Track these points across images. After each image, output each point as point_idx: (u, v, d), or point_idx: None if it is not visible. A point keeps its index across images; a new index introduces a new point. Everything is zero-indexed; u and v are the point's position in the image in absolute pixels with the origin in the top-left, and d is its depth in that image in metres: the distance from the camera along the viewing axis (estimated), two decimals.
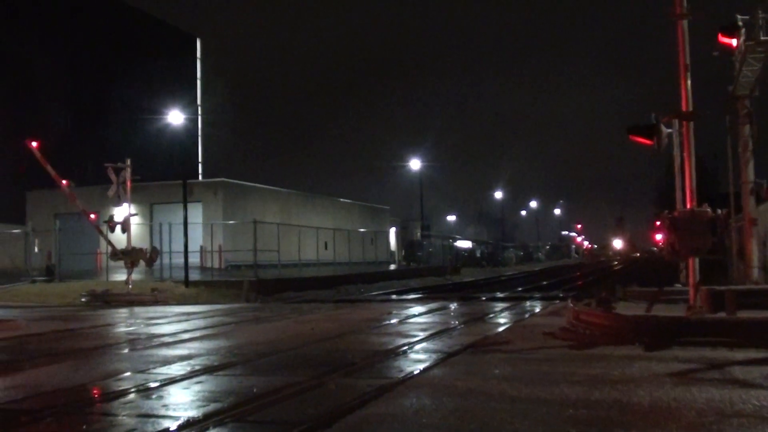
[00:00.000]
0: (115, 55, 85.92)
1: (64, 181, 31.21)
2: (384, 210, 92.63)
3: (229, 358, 13.01)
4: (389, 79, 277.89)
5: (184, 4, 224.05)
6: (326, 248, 61.81)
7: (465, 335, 15.97)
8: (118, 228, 32.17)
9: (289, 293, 38.77)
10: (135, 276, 33.83)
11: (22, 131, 33.05)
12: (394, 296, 38.04)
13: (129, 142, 66.29)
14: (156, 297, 31.55)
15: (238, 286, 36.92)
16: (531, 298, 31.73)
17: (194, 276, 40.35)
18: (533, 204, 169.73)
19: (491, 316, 21.60)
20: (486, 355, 12.62)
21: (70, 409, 8.95)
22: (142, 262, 32.84)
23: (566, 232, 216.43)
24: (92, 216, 32.45)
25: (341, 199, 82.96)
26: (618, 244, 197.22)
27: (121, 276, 36.90)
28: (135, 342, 16.32)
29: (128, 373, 11.42)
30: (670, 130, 16.22)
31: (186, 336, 17.15)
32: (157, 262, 35.63)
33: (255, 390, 9.70)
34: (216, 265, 50.55)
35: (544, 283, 55.43)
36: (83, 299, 31.37)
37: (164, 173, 57.84)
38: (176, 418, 8.15)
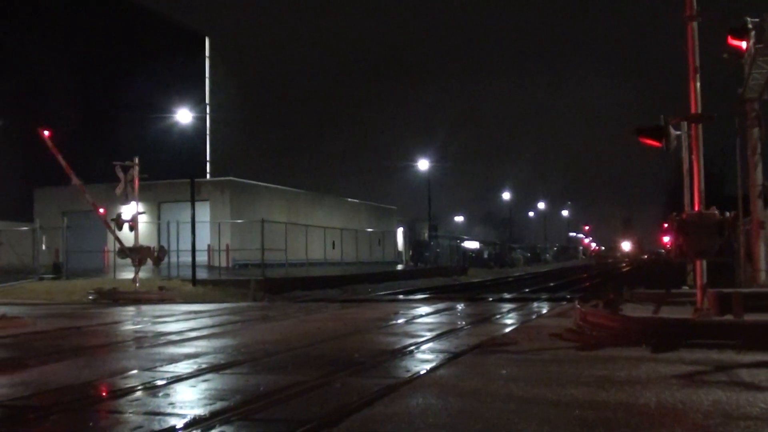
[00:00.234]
0: (123, 53, 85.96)
1: (74, 173, 31.16)
2: (391, 210, 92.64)
3: (235, 356, 13.02)
4: (398, 79, 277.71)
5: (194, 3, 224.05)
6: (334, 248, 61.85)
7: (472, 336, 15.98)
8: (126, 226, 32.20)
9: (297, 292, 38.78)
10: (142, 274, 33.86)
11: (31, 129, 33.05)
12: (401, 296, 38.03)
13: (137, 141, 66.14)
14: (163, 295, 31.58)
15: (245, 284, 36.93)
16: (538, 299, 31.72)
17: (202, 275, 40.40)
18: (541, 205, 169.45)
19: (498, 316, 21.60)
20: (493, 356, 12.62)
21: (76, 407, 8.98)
22: (149, 261, 32.86)
23: (574, 234, 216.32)
24: (101, 210, 32.46)
25: (349, 199, 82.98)
26: (626, 246, 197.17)
27: (128, 274, 36.97)
28: (142, 340, 16.33)
29: (135, 371, 11.43)
30: (678, 132, 16.20)
31: (193, 334, 17.17)
32: (165, 260, 35.69)
33: (261, 388, 9.71)
34: (223, 263, 50.59)
35: (552, 284, 55.35)
36: (90, 297, 31.39)
37: (172, 172, 57.80)
38: (183, 416, 8.16)
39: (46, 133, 30.24)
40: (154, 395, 9.55)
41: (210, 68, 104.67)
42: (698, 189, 15.53)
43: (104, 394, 9.89)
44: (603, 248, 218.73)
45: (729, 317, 14.20)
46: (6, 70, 69.74)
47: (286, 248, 46.66)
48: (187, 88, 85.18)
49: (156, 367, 11.83)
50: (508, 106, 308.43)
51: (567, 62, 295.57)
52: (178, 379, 10.66)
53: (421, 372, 10.97)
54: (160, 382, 10.36)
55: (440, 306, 26.03)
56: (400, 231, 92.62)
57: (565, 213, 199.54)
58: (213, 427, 7.70)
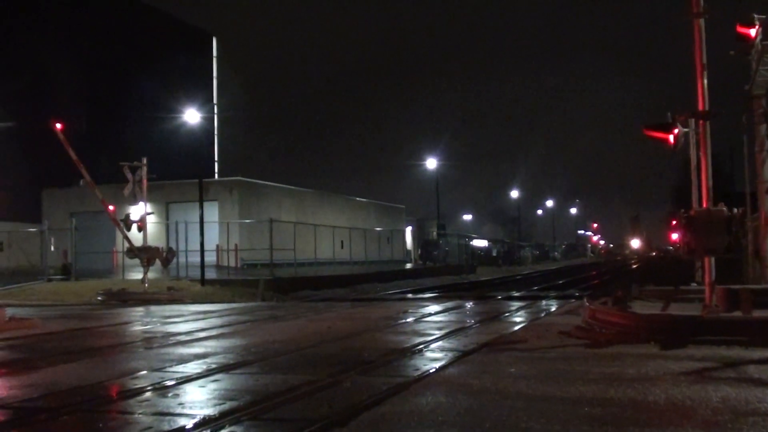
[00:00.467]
0: (131, 53, 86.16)
1: (83, 168, 31.13)
2: (400, 209, 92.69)
3: (245, 356, 13.04)
4: (406, 78, 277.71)
5: (201, 2, 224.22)
6: (342, 247, 61.87)
7: (481, 334, 15.98)
8: (135, 227, 32.23)
9: (305, 292, 38.83)
10: (151, 275, 33.90)
11: (38, 130, 33.07)
12: (409, 295, 38.04)
13: (145, 141, 66.33)
14: (172, 296, 31.61)
15: (254, 284, 36.98)
16: (547, 297, 31.72)
17: (210, 275, 40.46)
18: (549, 203, 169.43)
19: (507, 314, 21.59)
20: (502, 354, 12.63)
21: (86, 408, 9.00)
22: (157, 261, 32.90)
23: (582, 232, 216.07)
24: (111, 207, 32.47)
25: (357, 198, 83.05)
26: (635, 243, 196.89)
27: (137, 275, 37.04)
28: (151, 340, 16.35)
29: (144, 372, 11.45)
30: (686, 129, 16.21)
31: (202, 334, 17.19)
32: (174, 260, 35.73)
33: (271, 388, 9.72)
34: (232, 263, 50.68)
35: (560, 282, 55.35)
36: (99, 298, 31.43)
37: (180, 172, 57.96)
38: (192, 416, 8.18)
39: (59, 125, 30.14)
40: (164, 396, 9.57)
41: (217, 68, 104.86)
42: (706, 186, 15.53)
43: (114, 394, 9.91)
44: (612, 246, 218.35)
45: (737, 314, 14.21)
46: (13, 70, 69.89)
47: (294, 248, 46.68)
48: (194, 88, 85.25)
49: (165, 367, 11.85)
50: (515, 104, 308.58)
51: (574, 61, 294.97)
52: (188, 379, 10.68)
53: (431, 370, 10.98)
54: (169, 383, 10.38)
55: (449, 304, 26.03)
56: (408, 230, 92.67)
57: (573, 211, 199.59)
58: (223, 427, 7.71)
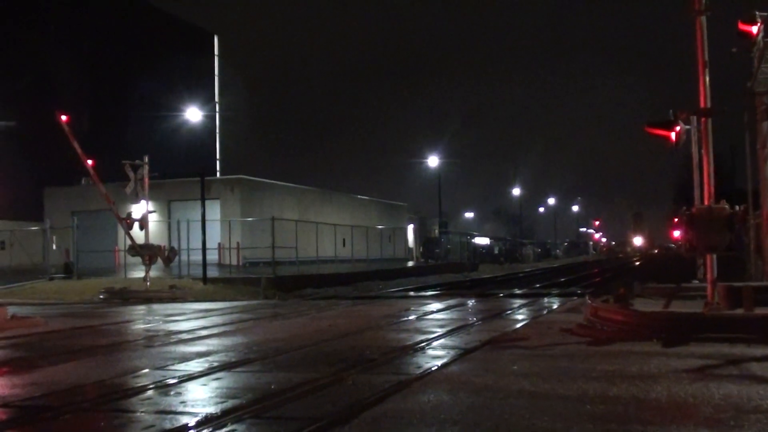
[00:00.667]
0: (133, 52, 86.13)
1: (90, 161, 31.08)
2: (402, 207, 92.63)
3: (247, 354, 13.04)
4: (408, 76, 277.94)
5: (203, 2, 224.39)
6: (344, 245, 61.87)
7: (483, 331, 15.98)
8: (136, 225, 32.24)
9: (307, 290, 38.79)
10: (153, 273, 33.89)
11: (40, 128, 33.07)
12: (412, 293, 37.97)
13: (147, 139, 66.29)
14: (174, 294, 31.61)
15: (256, 283, 37.00)
16: (549, 295, 31.73)
17: (212, 273, 40.45)
18: (551, 201, 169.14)
19: (509, 312, 21.59)
20: (504, 352, 12.63)
21: (88, 406, 9.01)
22: (159, 260, 32.89)
23: (584, 229, 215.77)
24: (113, 202, 32.42)
25: (359, 196, 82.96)
26: (638, 240, 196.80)
27: (138, 273, 37.05)
28: (153, 339, 16.34)
29: (146, 370, 11.46)
30: (688, 127, 16.19)
31: (204, 333, 17.19)
32: (175, 259, 35.73)
33: (273, 386, 9.73)
34: (234, 262, 50.61)
35: (562, 279, 55.29)
36: (101, 296, 31.44)
37: (182, 170, 58.01)
38: (194, 415, 8.18)
39: (64, 117, 30.08)
40: (166, 394, 9.57)
41: (219, 67, 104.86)
42: (708, 183, 15.52)
43: (116, 393, 9.90)
44: (614, 243, 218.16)
45: (739, 311, 14.20)
46: (15, 69, 69.87)
47: (296, 246, 46.70)
48: (196, 87, 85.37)
49: (167, 365, 11.86)
50: (517, 102, 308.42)
51: (576, 59, 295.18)
52: (190, 377, 10.68)
53: (433, 368, 10.98)
54: (171, 381, 10.39)
55: (451, 302, 26.03)
56: (410, 228, 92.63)
57: (575, 208, 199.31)
58: (225, 426, 7.71)
